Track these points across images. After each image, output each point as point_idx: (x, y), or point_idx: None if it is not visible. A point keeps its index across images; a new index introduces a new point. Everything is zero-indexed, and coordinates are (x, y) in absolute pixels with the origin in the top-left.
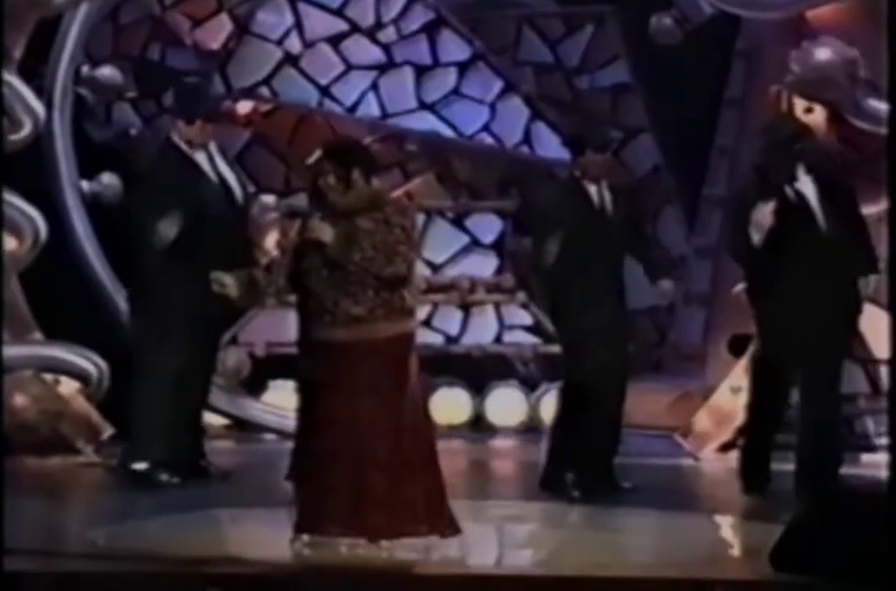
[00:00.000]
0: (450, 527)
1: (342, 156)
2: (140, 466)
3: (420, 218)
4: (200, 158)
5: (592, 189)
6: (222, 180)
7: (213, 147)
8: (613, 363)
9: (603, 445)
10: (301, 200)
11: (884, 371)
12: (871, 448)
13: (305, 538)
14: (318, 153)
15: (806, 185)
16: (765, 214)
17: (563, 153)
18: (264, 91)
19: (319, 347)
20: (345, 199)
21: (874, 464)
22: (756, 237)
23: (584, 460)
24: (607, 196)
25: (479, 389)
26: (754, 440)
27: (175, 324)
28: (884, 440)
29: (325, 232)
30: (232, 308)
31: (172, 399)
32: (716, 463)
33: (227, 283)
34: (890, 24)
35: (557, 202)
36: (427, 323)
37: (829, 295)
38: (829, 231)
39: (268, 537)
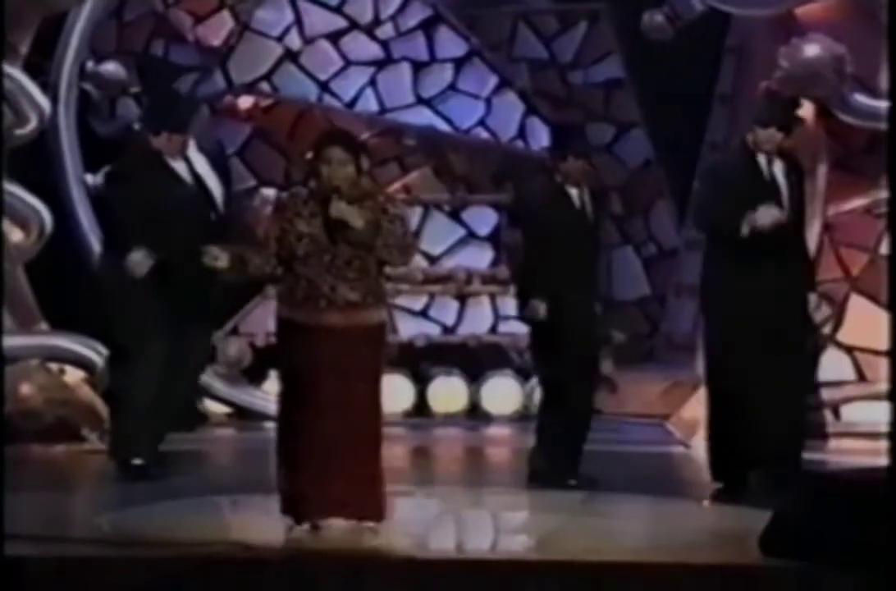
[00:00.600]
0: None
1: (354, 145)
2: (138, 461)
3: (417, 211)
4: (178, 165)
5: (574, 192)
6: (201, 185)
7: (192, 153)
8: (586, 354)
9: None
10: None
11: (870, 359)
12: (858, 435)
13: (306, 526)
14: (326, 142)
15: (778, 170)
16: (768, 215)
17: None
18: (265, 86)
19: (311, 331)
20: (351, 189)
21: (859, 451)
22: (745, 229)
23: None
24: (587, 199)
25: (474, 378)
26: (721, 445)
27: (156, 323)
28: (868, 428)
29: (355, 216)
30: (216, 309)
31: (163, 393)
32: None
33: (217, 255)
34: (890, 24)
35: (543, 202)
36: (424, 313)
37: (785, 284)
38: (791, 220)
39: (267, 522)
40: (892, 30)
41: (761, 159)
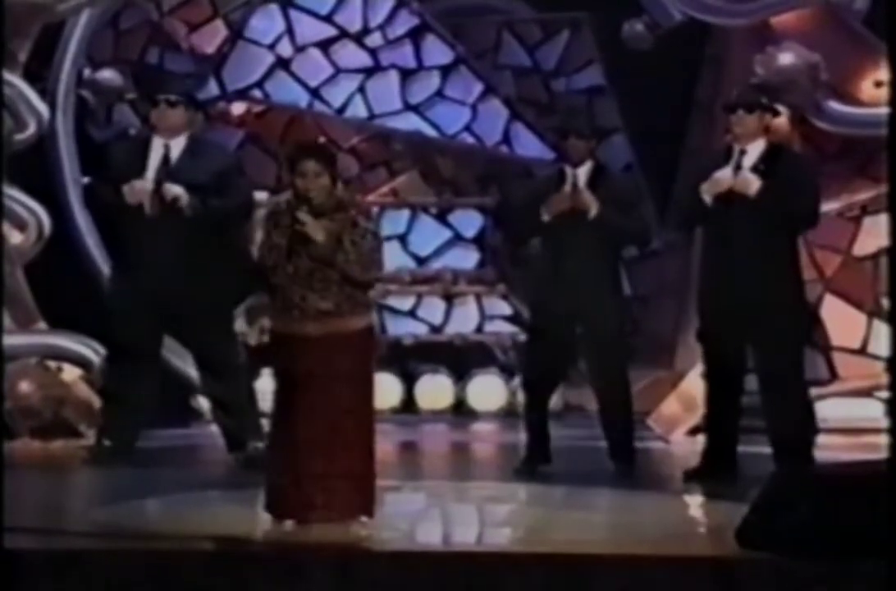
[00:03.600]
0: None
1: (327, 156)
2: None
3: (405, 213)
4: (156, 145)
5: (568, 171)
6: (160, 178)
7: (180, 140)
8: (604, 350)
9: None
10: None
11: (843, 358)
12: (830, 431)
13: (290, 523)
14: (300, 155)
15: (748, 160)
16: (724, 175)
17: (540, 152)
18: (257, 93)
19: (293, 340)
20: (326, 199)
21: (833, 446)
22: (707, 197)
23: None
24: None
25: (461, 375)
26: (713, 424)
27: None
28: (840, 424)
29: (317, 230)
30: None
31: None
32: (685, 446)
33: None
34: (890, 24)
35: (537, 196)
36: (412, 313)
37: (765, 271)
38: (761, 203)
39: (259, 516)
40: (891, 30)
41: (735, 151)
